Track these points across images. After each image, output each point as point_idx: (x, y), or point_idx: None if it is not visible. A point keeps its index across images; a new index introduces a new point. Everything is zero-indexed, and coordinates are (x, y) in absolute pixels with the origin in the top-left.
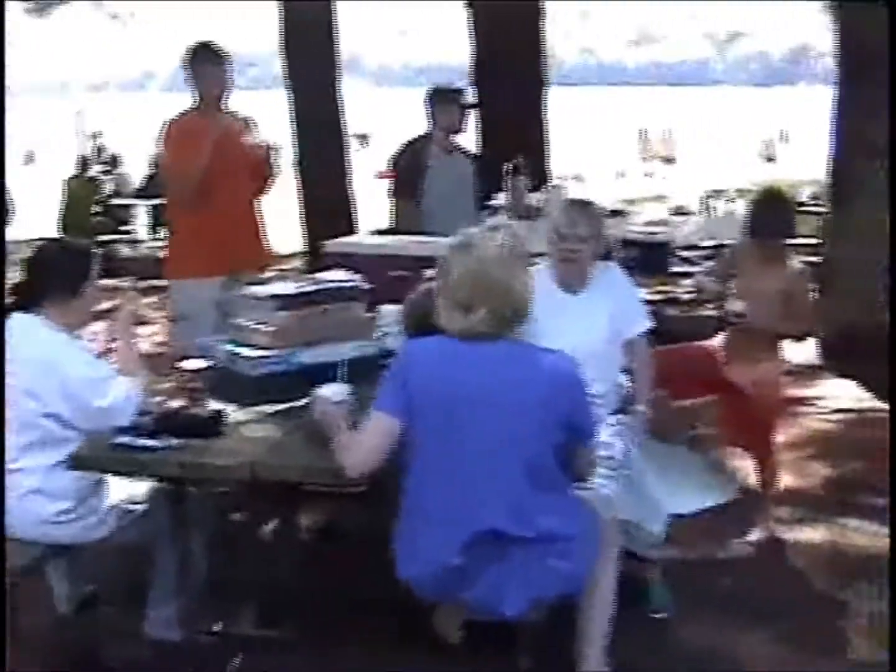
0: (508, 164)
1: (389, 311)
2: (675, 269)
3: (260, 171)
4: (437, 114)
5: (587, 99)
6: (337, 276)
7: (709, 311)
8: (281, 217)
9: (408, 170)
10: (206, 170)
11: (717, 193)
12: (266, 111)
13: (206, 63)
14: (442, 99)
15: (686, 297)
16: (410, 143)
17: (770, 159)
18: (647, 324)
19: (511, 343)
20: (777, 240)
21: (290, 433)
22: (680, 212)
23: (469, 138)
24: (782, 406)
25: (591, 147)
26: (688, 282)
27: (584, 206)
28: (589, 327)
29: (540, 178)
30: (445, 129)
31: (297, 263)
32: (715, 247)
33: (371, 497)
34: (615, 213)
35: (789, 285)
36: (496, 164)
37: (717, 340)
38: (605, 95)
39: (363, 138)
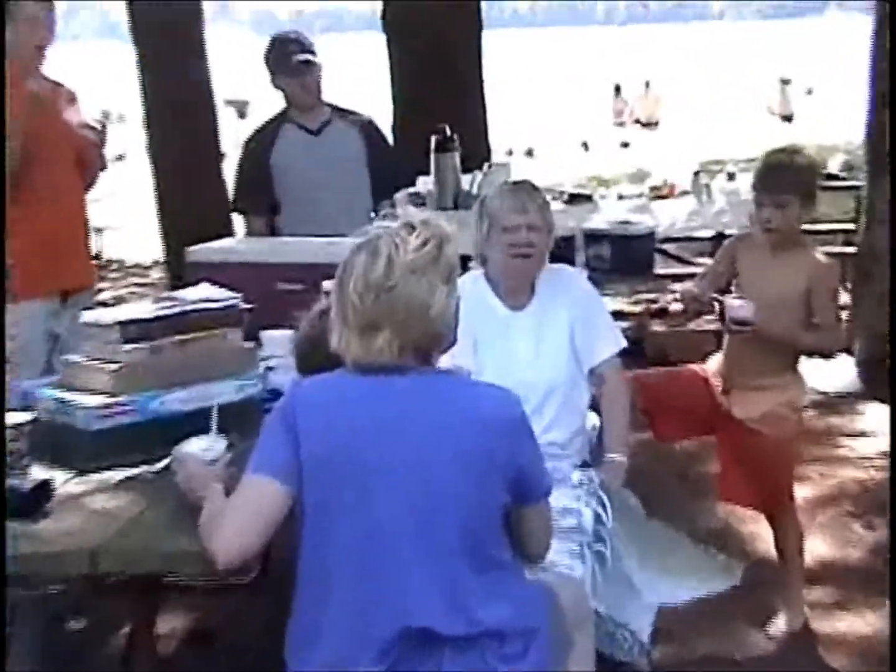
0: (432, 137)
1: (275, 339)
2: (661, 270)
3: (87, 159)
4: (279, 79)
5: (542, 45)
6: (205, 293)
7: (705, 324)
8: (132, 217)
9: (251, 171)
10: (21, 151)
11: (715, 167)
12: (98, 69)
13: None
14: (281, 57)
15: (675, 306)
16: (259, 131)
17: (787, 118)
18: (619, 343)
19: (433, 377)
20: (792, 220)
21: (144, 508)
22: (664, 193)
23: (378, 105)
24: (804, 447)
25: (547, 111)
26: (677, 287)
27: (529, 188)
28: (541, 352)
29: (477, 154)
30: (300, 101)
31: (152, 277)
32: (713, 238)
33: (258, 591)
34: (577, 197)
35: (811, 283)
36: (414, 138)
37: (715, 362)
38: (568, 39)
39: (241, 107)
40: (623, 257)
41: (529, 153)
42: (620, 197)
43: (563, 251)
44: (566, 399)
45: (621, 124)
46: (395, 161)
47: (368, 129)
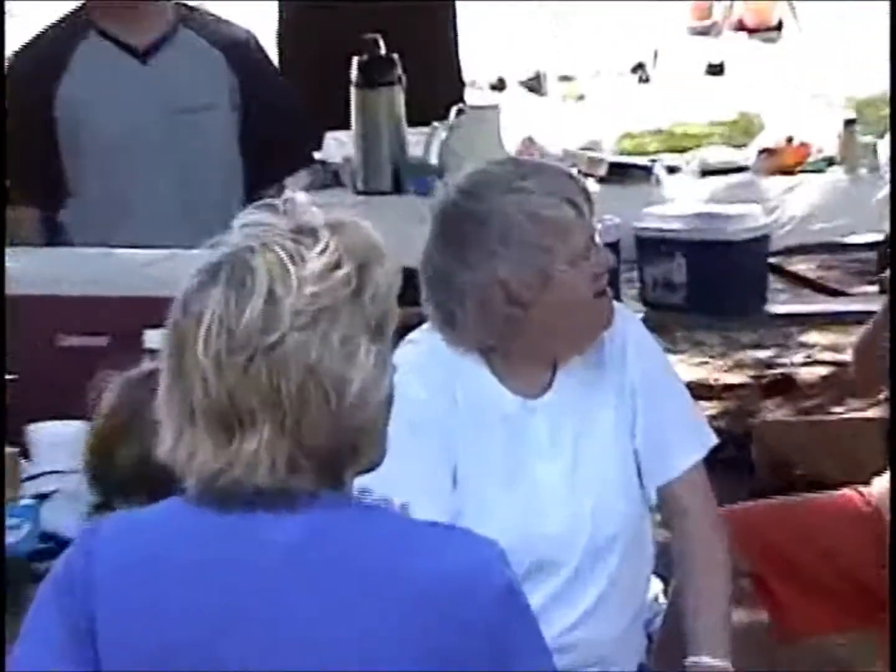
0: (353, 59)
1: (54, 439)
2: (781, 305)
3: None
4: None
5: None
6: None
7: (867, 409)
8: None
9: (14, 125)
10: None
11: (876, 114)
12: None
13: None
14: None
15: (807, 374)
16: (29, 49)
17: None
18: (704, 441)
19: (347, 515)
20: None
21: None
22: (788, 162)
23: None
24: None
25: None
26: (813, 339)
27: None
28: (580, 480)
29: (439, 92)
30: None
31: None
32: (879, 244)
33: None
34: (623, 171)
35: None
36: (318, 65)
37: (883, 482)
38: None
39: None
40: (710, 283)
41: (533, 87)
42: (706, 172)
43: None
44: (622, 562)
45: (706, 31)
46: (290, 108)
47: (242, 50)
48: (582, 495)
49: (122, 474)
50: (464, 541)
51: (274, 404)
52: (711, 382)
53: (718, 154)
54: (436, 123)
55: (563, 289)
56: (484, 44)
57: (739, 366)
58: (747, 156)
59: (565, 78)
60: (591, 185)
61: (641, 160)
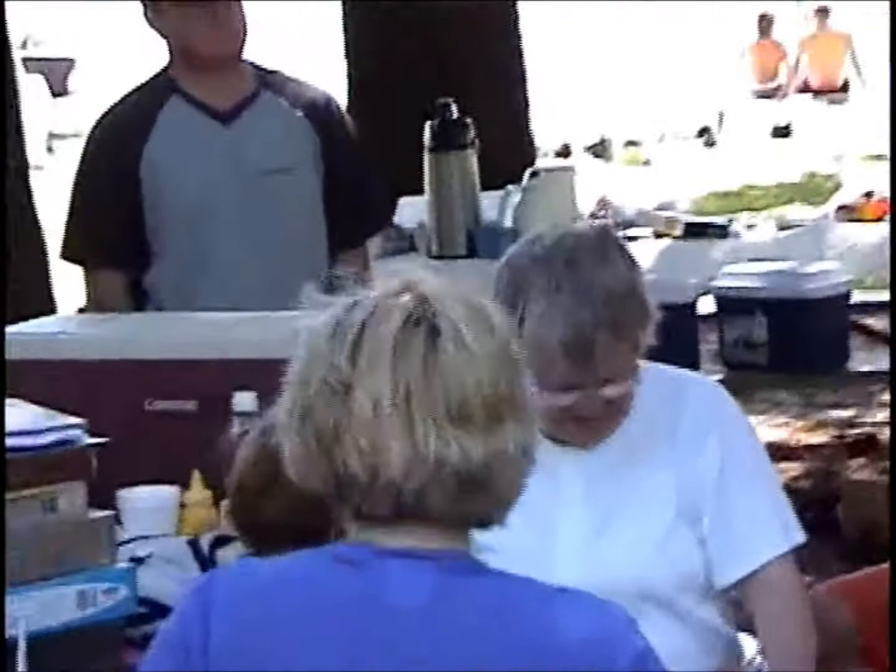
0: (426, 124)
1: (145, 504)
2: (865, 363)
3: None
4: (159, 10)
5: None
6: (18, 419)
7: None
8: None
9: (99, 187)
10: None
11: None
12: None
13: None
14: None
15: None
16: (115, 113)
17: None
18: (792, 537)
19: (476, 571)
20: None
21: None
22: (865, 214)
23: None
24: None
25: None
26: None
27: (605, 250)
28: (608, 540)
29: (512, 157)
30: (202, 52)
31: None
32: None
33: None
34: (700, 229)
35: None
36: (399, 126)
37: None
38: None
39: (61, 70)
40: (791, 341)
41: (598, 152)
42: (781, 227)
43: (675, 333)
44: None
45: (771, 94)
46: (368, 171)
47: (322, 112)
48: (603, 553)
49: (270, 526)
50: (595, 605)
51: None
52: (793, 444)
53: (795, 211)
54: (510, 186)
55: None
56: (549, 110)
57: (821, 426)
58: (825, 212)
59: (631, 143)
60: (669, 244)
61: (718, 219)
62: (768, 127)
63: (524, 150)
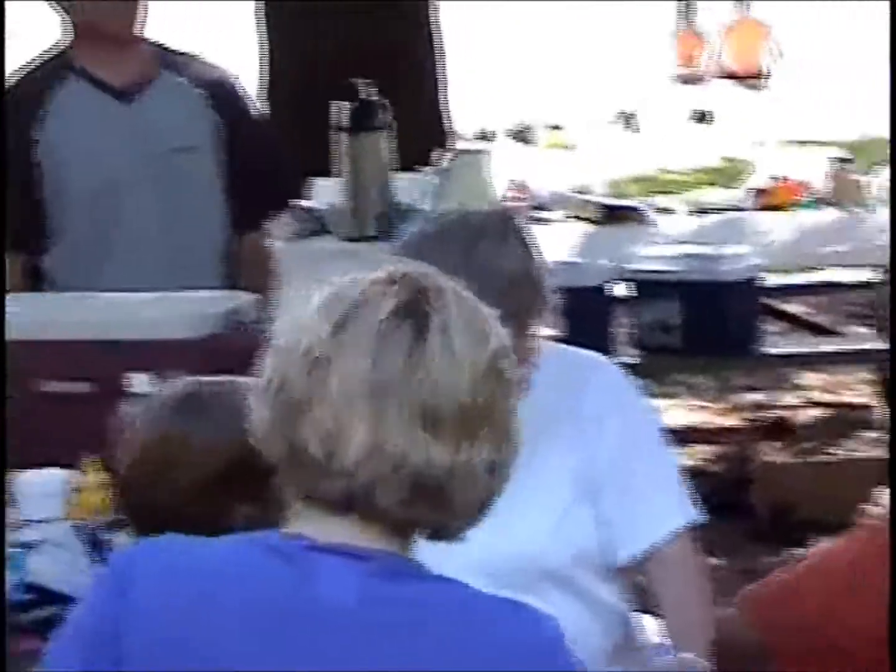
0: (339, 104)
1: (31, 486)
2: (777, 346)
3: None
4: None
5: None
6: None
7: (868, 448)
8: None
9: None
10: None
11: (868, 150)
12: None
13: None
14: None
15: (807, 416)
16: (7, 92)
17: None
18: (688, 512)
19: (410, 573)
20: None
21: None
22: (778, 201)
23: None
24: None
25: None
26: (809, 380)
27: (503, 235)
28: (516, 514)
29: (426, 139)
30: (101, 31)
31: None
32: (873, 286)
33: None
34: (616, 213)
35: None
36: (302, 112)
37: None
38: None
39: None
40: (705, 324)
41: (521, 136)
42: (695, 211)
43: (588, 316)
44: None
45: (692, 79)
46: (272, 151)
47: (224, 91)
48: (503, 532)
49: (161, 511)
50: (530, 616)
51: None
52: (708, 427)
53: (710, 195)
54: (426, 168)
55: None
56: (473, 93)
57: (735, 409)
58: (739, 196)
59: (553, 127)
60: (584, 227)
61: (633, 202)
62: (689, 112)
63: (440, 133)
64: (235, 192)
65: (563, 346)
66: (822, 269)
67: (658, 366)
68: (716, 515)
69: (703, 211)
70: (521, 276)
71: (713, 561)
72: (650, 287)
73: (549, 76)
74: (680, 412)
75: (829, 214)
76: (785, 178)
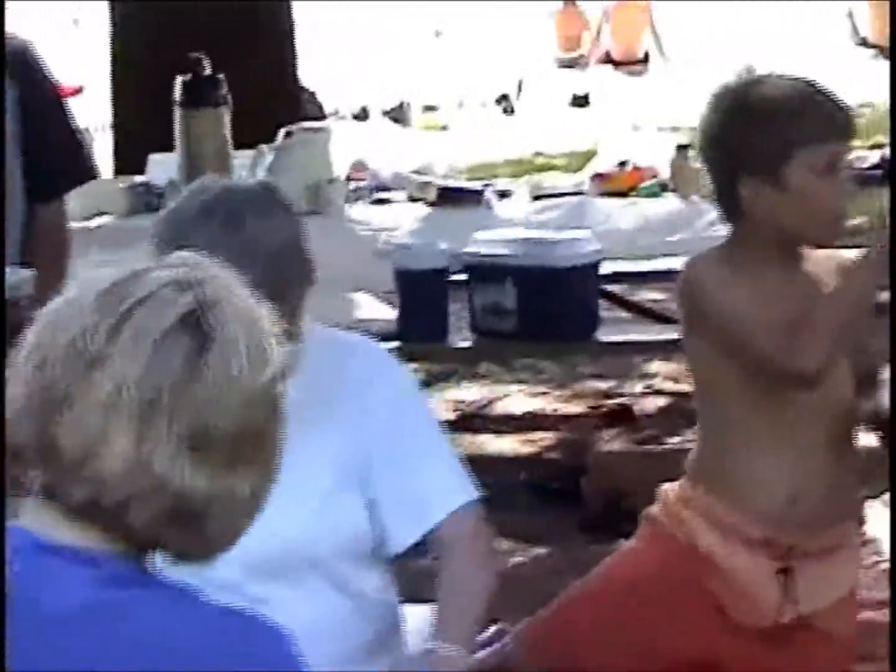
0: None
1: None
2: (615, 333)
3: None
4: None
5: None
6: None
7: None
8: None
9: None
10: None
11: None
12: None
13: None
14: None
15: (652, 404)
16: None
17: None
18: (468, 487)
19: (144, 584)
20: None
21: None
22: (621, 186)
23: None
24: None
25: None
26: (656, 368)
27: (266, 207)
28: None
29: (274, 116)
30: None
31: None
32: None
33: None
34: (453, 195)
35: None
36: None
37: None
38: None
39: None
40: (540, 309)
41: (396, 116)
42: (538, 197)
43: (425, 298)
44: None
45: (573, 64)
46: (67, 122)
47: (22, 63)
48: (262, 519)
49: None
50: (260, 634)
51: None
52: (549, 412)
53: (552, 179)
54: (262, 146)
55: None
56: (349, 72)
57: (578, 396)
58: (581, 181)
59: (428, 108)
60: (422, 209)
61: (473, 185)
62: (568, 96)
63: (291, 108)
64: (30, 162)
65: (327, 328)
66: (659, 257)
67: (494, 350)
68: (550, 503)
69: (544, 196)
70: (286, 250)
71: (543, 550)
72: (484, 271)
73: (427, 57)
74: (522, 398)
75: (671, 203)
76: (624, 164)
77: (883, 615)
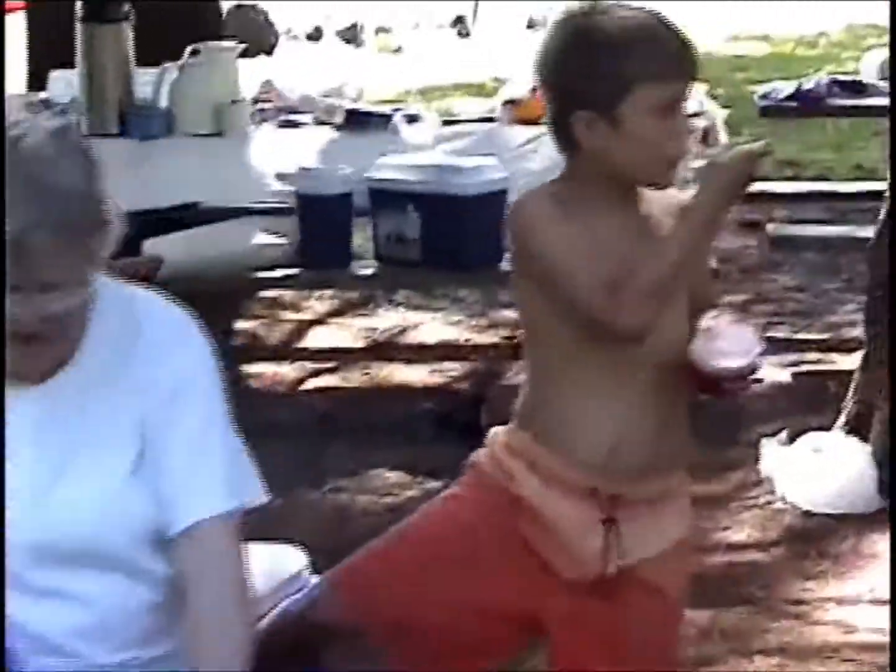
0: None
1: None
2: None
3: None
4: None
5: None
6: None
7: None
8: None
9: None
10: None
11: None
12: None
13: None
14: None
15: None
16: None
17: None
18: (232, 494)
19: None
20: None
21: None
22: (531, 114)
23: None
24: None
25: None
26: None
27: (60, 146)
28: (70, 476)
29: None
30: None
31: None
32: None
33: None
34: (360, 118)
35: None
36: None
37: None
38: None
39: None
40: (443, 237)
41: (349, 37)
42: (448, 122)
43: (329, 224)
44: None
45: None
46: None
47: None
48: (51, 508)
49: None
50: None
51: None
52: (461, 342)
53: (463, 104)
54: (167, 64)
55: None
56: None
57: (495, 325)
58: (493, 106)
59: (382, 29)
60: (329, 133)
61: (381, 108)
62: (524, 19)
63: (209, 26)
64: None
65: (124, 286)
66: None
67: (395, 277)
68: (454, 436)
69: (453, 121)
70: (76, 191)
71: (437, 483)
72: (388, 197)
73: None
74: (438, 326)
75: None
76: (535, 90)
77: (769, 556)
